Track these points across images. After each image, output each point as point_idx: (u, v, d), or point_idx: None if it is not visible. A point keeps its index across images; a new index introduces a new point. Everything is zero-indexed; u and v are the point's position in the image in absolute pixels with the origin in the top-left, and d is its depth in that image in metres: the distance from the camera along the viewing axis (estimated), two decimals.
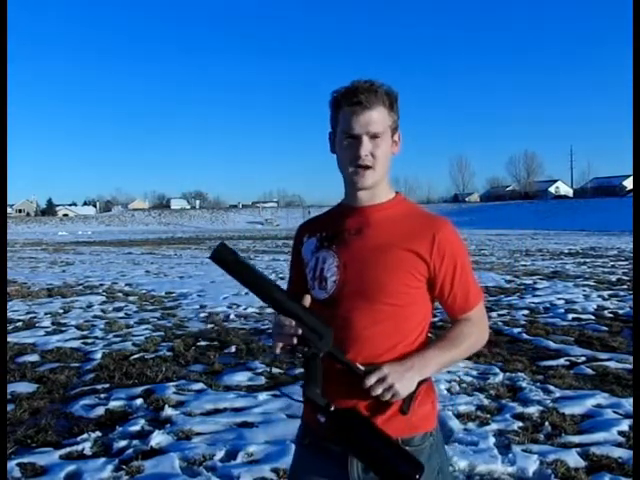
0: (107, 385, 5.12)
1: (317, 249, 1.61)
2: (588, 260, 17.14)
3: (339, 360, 1.47)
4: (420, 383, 1.47)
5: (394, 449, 1.40)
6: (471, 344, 1.58)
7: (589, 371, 5.36)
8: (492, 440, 3.81)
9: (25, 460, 3.58)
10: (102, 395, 4.84)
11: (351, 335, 1.51)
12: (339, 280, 1.54)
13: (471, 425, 4.10)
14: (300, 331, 1.43)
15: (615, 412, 4.27)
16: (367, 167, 1.51)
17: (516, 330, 7.15)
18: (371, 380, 1.42)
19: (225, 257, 1.44)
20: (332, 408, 1.44)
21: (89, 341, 6.92)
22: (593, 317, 8.00)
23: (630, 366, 5.35)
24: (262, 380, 5.23)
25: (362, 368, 1.46)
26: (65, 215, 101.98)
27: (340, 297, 1.53)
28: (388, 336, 1.51)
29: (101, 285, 12.36)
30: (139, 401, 4.67)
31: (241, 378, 5.28)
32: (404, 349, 1.52)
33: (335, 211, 1.68)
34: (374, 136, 1.50)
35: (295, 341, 1.45)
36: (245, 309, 9.08)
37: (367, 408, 1.48)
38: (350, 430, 1.41)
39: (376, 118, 1.49)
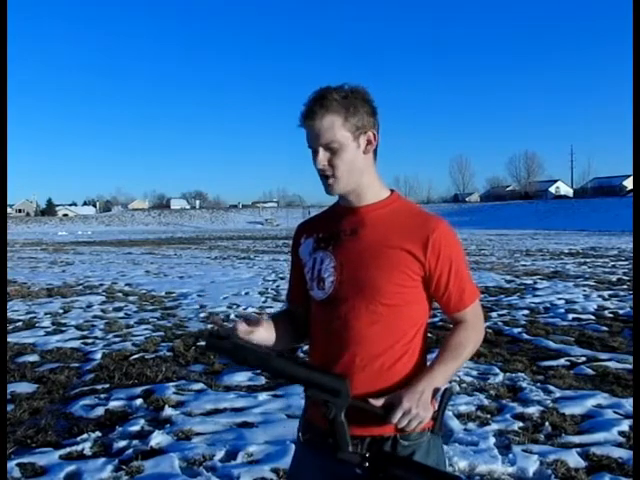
0: (107, 385, 5.12)
1: (314, 250, 1.63)
2: (588, 260, 17.14)
3: (361, 408, 1.47)
4: (434, 396, 1.50)
5: (433, 476, 1.43)
6: (471, 349, 1.61)
7: (589, 371, 5.36)
8: (492, 440, 3.80)
9: (25, 460, 3.58)
10: (102, 395, 4.83)
11: (349, 335, 1.53)
12: (336, 281, 1.55)
13: (471, 425, 4.10)
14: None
15: (615, 412, 4.27)
16: (328, 177, 1.53)
17: (516, 330, 7.15)
18: (397, 416, 1.43)
19: (220, 346, 1.44)
20: (366, 464, 1.46)
21: (89, 341, 6.92)
22: (593, 317, 8.00)
23: (630, 366, 5.35)
24: (262, 380, 5.22)
25: (379, 404, 1.46)
26: (65, 215, 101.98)
27: (338, 297, 1.55)
28: (385, 336, 1.53)
29: (101, 285, 12.36)
30: (139, 401, 4.66)
31: (241, 378, 5.28)
32: (402, 349, 1.54)
33: (331, 211, 1.69)
34: (328, 146, 1.49)
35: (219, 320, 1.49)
36: (245, 309, 9.09)
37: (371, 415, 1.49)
38: (384, 470, 1.44)
39: (326, 127, 1.48)
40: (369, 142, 1.55)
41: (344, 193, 1.56)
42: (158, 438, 3.88)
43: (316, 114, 1.47)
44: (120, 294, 10.96)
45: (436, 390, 1.49)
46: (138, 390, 4.94)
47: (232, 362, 1.39)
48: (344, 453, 1.46)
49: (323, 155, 1.50)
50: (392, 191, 1.64)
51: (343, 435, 1.45)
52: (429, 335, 1.63)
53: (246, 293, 10.81)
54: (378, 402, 1.47)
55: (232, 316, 8.39)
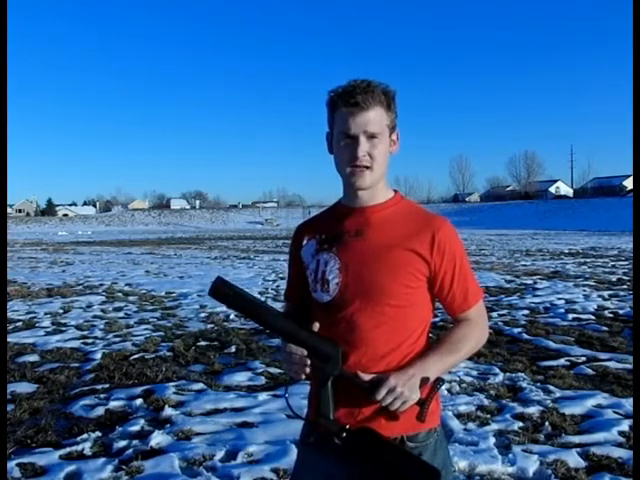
0: (107, 385, 5.12)
1: (317, 251, 1.61)
2: (588, 260, 17.14)
3: (350, 380, 1.48)
4: (422, 384, 1.48)
5: (409, 460, 1.43)
6: (472, 347, 1.59)
7: (589, 371, 5.36)
8: (492, 440, 3.80)
9: (25, 460, 3.58)
10: (102, 395, 4.83)
11: (355, 337, 1.52)
12: (341, 282, 1.54)
13: (471, 425, 4.09)
14: (309, 361, 1.46)
15: (615, 412, 4.27)
16: (365, 167, 1.50)
17: (516, 330, 7.15)
18: (381, 392, 1.43)
19: (225, 292, 1.46)
20: (344, 434, 1.46)
21: (89, 341, 6.91)
22: (593, 317, 8.00)
23: (630, 366, 5.35)
24: (262, 380, 5.23)
25: (367, 379, 1.46)
26: (65, 215, 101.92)
27: (343, 299, 1.54)
28: (391, 337, 1.52)
29: (101, 285, 12.35)
30: (139, 401, 4.66)
31: (241, 378, 5.28)
32: (407, 349, 1.53)
33: (333, 211, 1.68)
34: (371, 136, 1.49)
35: (307, 370, 1.48)
36: None
37: (378, 413, 1.49)
38: (364, 450, 1.45)
39: (373, 118, 1.49)
40: (393, 142, 1.58)
41: (370, 187, 1.54)
42: (158, 438, 3.88)
43: (367, 103, 1.48)
44: (120, 294, 10.96)
45: (426, 378, 1.46)
46: (138, 390, 4.93)
47: (234, 311, 1.42)
48: (325, 420, 1.47)
49: (365, 144, 1.49)
50: (395, 191, 1.64)
51: (326, 402, 1.46)
52: (430, 335, 1.62)
53: None
54: (367, 377, 1.47)
55: (232, 316, 8.38)
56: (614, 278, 12.36)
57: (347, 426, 1.47)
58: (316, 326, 1.49)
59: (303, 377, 1.52)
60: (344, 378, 1.47)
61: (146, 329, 7.60)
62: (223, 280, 1.47)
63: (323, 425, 1.48)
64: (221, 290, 1.46)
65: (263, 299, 10.05)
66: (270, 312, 1.48)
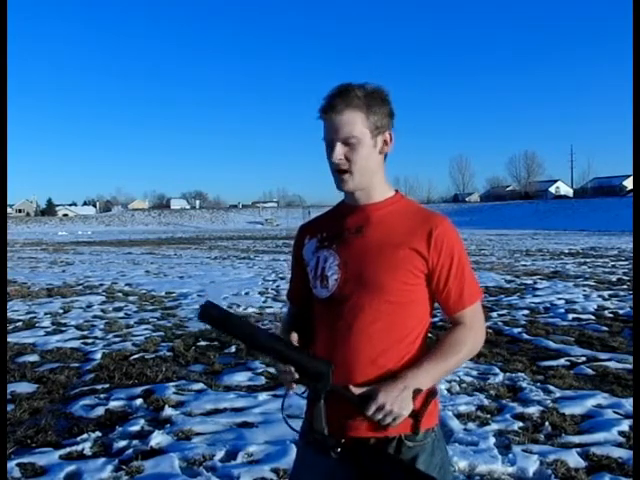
0: (107, 385, 5.12)
1: (317, 249, 1.63)
2: (588, 260, 17.14)
3: (341, 395, 1.48)
4: (415, 395, 1.47)
5: (404, 469, 1.44)
6: (468, 351, 1.57)
7: (589, 371, 5.36)
8: (492, 440, 3.80)
9: (25, 460, 3.58)
10: (102, 395, 4.83)
11: (353, 333, 1.53)
12: (340, 278, 1.55)
13: (471, 425, 4.09)
14: (297, 375, 1.47)
15: (615, 412, 4.27)
16: (343, 171, 1.52)
17: (516, 330, 7.15)
18: (371, 409, 1.43)
19: (213, 316, 1.46)
20: (339, 449, 1.47)
21: (89, 341, 6.91)
22: (593, 317, 8.00)
23: (630, 366, 5.35)
24: (262, 380, 5.23)
25: (357, 392, 1.47)
26: (65, 215, 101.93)
27: (341, 295, 1.55)
28: (389, 334, 1.52)
29: (101, 285, 12.35)
30: (139, 401, 4.66)
31: (241, 378, 5.28)
32: (404, 349, 1.53)
33: (335, 210, 1.70)
34: (346, 140, 1.50)
35: (295, 387, 1.50)
36: (245, 309, 9.08)
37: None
38: (360, 462, 1.46)
39: (346, 121, 1.49)
40: (385, 143, 1.57)
41: (355, 190, 1.56)
42: (158, 438, 3.88)
43: (338, 108, 1.48)
44: (120, 294, 10.96)
45: (418, 390, 1.46)
46: (138, 390, 4.94)
47: (221, 333, 1.40)
48: (319, 434, 1.47)
49: (340, 149, 1.50)
50: (396, 191, 1.65)
51: (319, 418, 1.47)
52: (429, 335, 1.62)
53: (246, 293, 10.80)
54: (358, 391, 1.47)
55: None
56: (614, 278, 12.36)
57: (342, 440, 1.48)
58: (294, 337, 1.51)
59: (292, 389, 1.54)
60: (335, 393, 1.48)
61: (146, 329, 7.60)
62: (212, 304, 1.47)
63: (318, 441, 1.48)
64: (210, 314, 1.45)
65: (263, 299, 10.05)
66: (260, 334, 1.48)
